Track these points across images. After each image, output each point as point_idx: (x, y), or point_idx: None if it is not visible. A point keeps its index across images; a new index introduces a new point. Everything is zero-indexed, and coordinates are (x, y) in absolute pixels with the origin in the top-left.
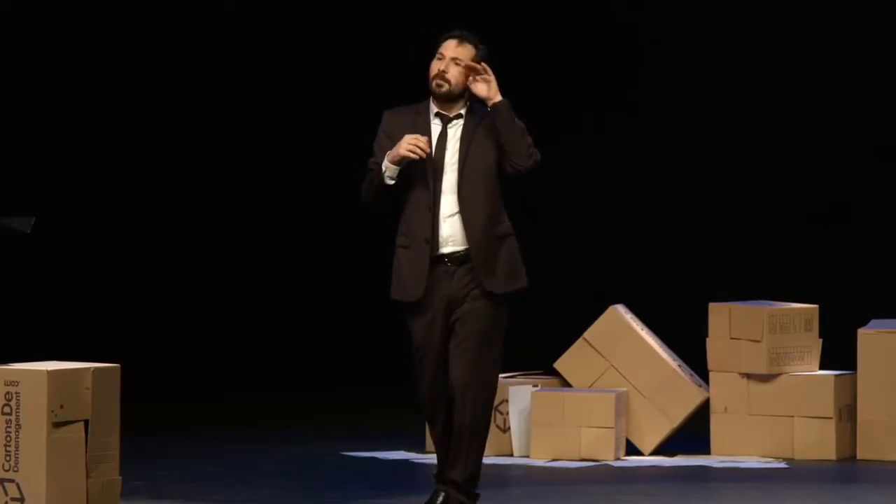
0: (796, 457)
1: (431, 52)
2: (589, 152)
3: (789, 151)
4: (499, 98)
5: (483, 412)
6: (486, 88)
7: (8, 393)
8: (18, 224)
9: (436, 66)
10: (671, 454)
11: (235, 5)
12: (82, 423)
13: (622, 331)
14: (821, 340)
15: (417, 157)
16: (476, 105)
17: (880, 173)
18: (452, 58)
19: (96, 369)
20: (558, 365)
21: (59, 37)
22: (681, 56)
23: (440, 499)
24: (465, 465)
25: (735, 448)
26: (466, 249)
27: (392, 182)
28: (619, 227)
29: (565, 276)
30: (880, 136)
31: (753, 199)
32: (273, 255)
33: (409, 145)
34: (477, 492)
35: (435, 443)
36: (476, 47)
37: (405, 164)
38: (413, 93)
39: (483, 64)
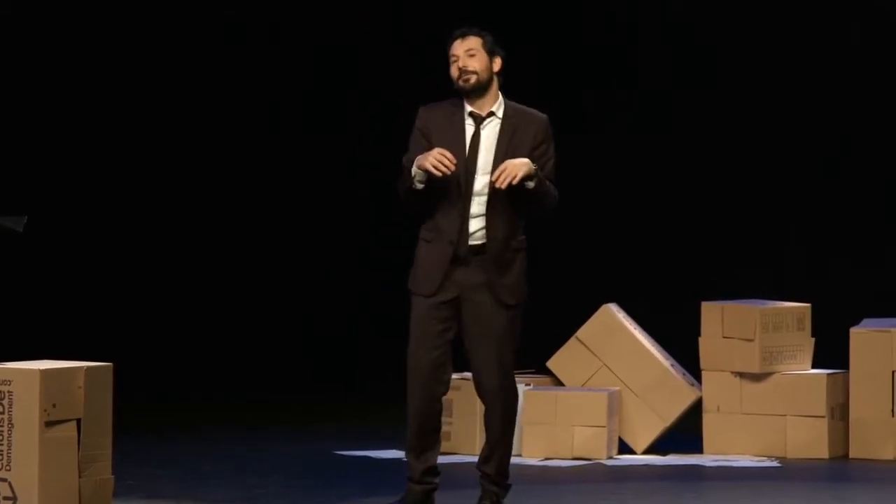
0: (789, 455)
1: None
2: (583, 152)
3: (784, 150)
4: (528, 171)
5: (512, 411)
6: (514, 178)
7: (0, 392)
8: (11, 223)
9: (455, 67)
10: (664, 453)
11: (235, 5)
12: (75, 422)
13: (615, 330)
14: (813, 339)
15: (440, 174)
16: (510, 102)
17: (874, 172)
18: (466, 51)
19: (89, 368)
20: (551, 364)
21: (58, 37)
22: (677, 55)
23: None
24: (500, 460)
25: (728, 447)
26: (484, 244)
27: (421, 186)
28: (611, 226)
29: (558, 275)
30: (877, 136)
31: (746, 198)
32: (268, 254)
33: (435, 160)
34: (509, 482)
35: (413, 430)
36: (480, 35)
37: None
38: (411, 92)
39: (497, 177)
